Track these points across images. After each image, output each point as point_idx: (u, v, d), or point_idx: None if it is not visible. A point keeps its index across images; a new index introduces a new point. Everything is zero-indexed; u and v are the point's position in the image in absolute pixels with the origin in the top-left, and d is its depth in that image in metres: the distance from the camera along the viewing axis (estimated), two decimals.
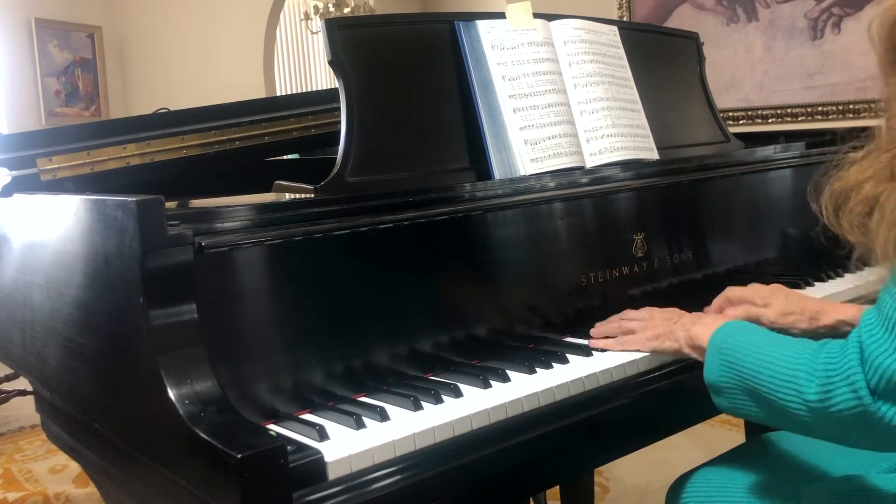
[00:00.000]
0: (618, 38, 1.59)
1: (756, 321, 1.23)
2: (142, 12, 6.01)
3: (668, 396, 1.20)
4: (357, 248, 1.12)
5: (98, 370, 1.10)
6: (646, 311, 1.28)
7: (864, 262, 0.93)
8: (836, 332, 1.23)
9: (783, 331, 1.23)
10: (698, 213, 1.58)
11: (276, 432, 0.94)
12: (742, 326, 1.06)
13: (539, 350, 1.23)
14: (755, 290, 1.30)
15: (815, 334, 1.23)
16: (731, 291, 1.31)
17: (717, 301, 1.33)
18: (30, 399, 2.21)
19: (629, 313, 1.29)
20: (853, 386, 0.84)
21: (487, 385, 1.09)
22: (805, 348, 0.93)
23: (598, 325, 1.29)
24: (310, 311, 1.07)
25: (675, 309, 1.26)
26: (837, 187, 0.94)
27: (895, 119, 0.89)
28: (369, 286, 1.12)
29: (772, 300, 1.27)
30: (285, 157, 2.06)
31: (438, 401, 1.04)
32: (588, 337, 1.28)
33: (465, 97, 1.35)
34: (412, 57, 1.34)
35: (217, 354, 0.95)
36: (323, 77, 7.76)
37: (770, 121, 3.46)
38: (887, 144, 0.89)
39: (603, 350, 1.22)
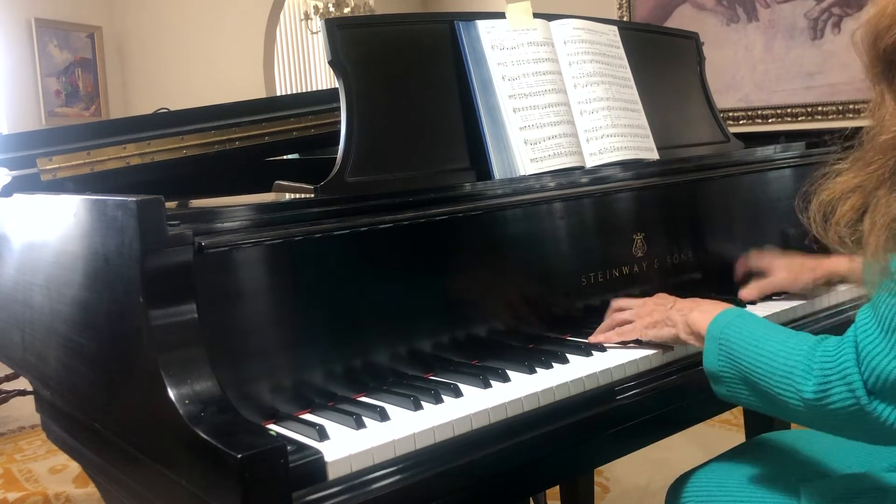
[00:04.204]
0: (618, 38, 1.59)
1: (769, 290, 1.43)
2: (142, 12, 6.01)
3: (668, 395, 1.20)
4: (357, 248, 1.12)
5: (98, 370, 1.10)
6: (636, 300, 1.28)
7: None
8: (830, 283, 1.44)
9: (790, 287, 1.44)
10: (698, 213, 1.58)
11: (276, 432, 0.94)
12: (738, 314, 1.07)
13: (539, 350, 1.23)
14: (763, 259, 1.48)
15: (815, 284, 1.43)
16: (752, 258, 1.49)
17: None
18: (30, 399, 2.22)
19: (619, 302, 1.29)
20: (850, 386, 0.86)
21: (487, 385, 1.09)
22: (801, 343, 0.94)
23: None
24: (310, 311, 1.07)
25: (665, 295, 1.28)
26: (825, 197, 0.95)
27: (879, 127, 0.89)
28: (369, 286, 1.12)
29: (776, 266, 1.44)
30: (285, 157, 2.06)
31: (438, 401, 1.04)
32: (588, 337, 1.27)
33: (465, 97, 1.35)
34: (412, 57, 1.34)
35: (217, 354, 0.95)
36: (323, 77, 7.76)
37: (770, 121, 3.46)
38: (873, 154, 0.89)
39: (602, 348, 1.22)
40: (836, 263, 1.39)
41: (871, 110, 0.92)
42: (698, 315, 1.13)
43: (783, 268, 1.43)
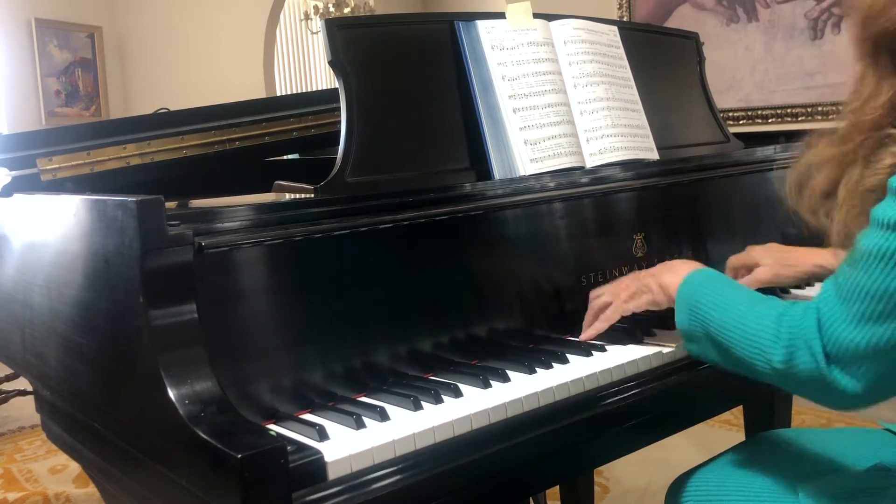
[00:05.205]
0: (618, 38, 1.59)
1: (751, 284, 1.36)
2: (142, 12, 6.01)
3: (668, 396, 1.20)
4: (357, 248, 1.12)
5: (98, 370, 1.10)
6: (609, 284, 1.30)
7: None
8: (817, 275, 1.39)
9: (774, 284, 1.40)
10: (698, 213, 1.59)
11: (276, 432, 0.94)
12: (708, 276, 1.09)
13: (539, 350, 1.23)
14: (749, 253, 1.44)
15: (798, 280, 1.40)
16: (731, 260, 1.45)
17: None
18: (30, 399, 2.21)
19: (594, 291, 1.30)
20: (811, 351, 0.88)
21: (487, 385, 1.09)
22: (769, 310, 0.96)
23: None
24: (310, 311, 1.07)
25: (637, 271, 1.30)
26: (801, 165, 0.97)
27: (861, 104, 0.91)
28: (369, 286, 1.12)
29: (757, 256, 1.41)
30: (285, 157, 2.06)
31: (438, 401, 1.04)
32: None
33: (465, 97, 1.35)
34: (412, 57, 1.34)
35: (217, 354, 0.95)
36: (323, 77, 7.76)
37: (770, 121, 3.46)
38: (851, 131, 0.91)
39: (602, 348, 1.22)
40: (822, 258, 1.36)
41: (854, 84, 0.93)
42: (670, 277, 1.16)
43: (765, 261, 1.40)
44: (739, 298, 1.01)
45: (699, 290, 1.07)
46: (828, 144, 0.94)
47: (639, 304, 1.22)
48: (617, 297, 1.24)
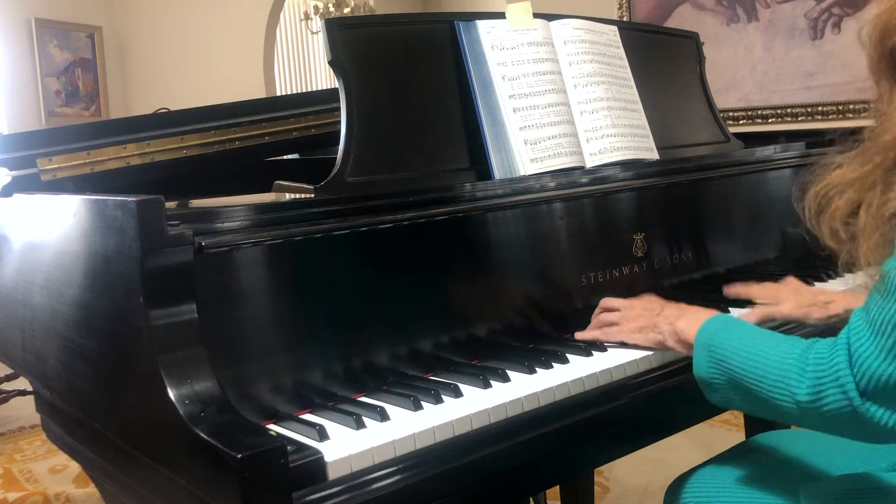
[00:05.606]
0: (618, 38, 1.59)
1: (771, 319, 1.29)
2: (142, 12, 6.01)
3: (668, 396, 1.20)
4: (357, 248, 1.12)
5: (98, 370, 1.10)
6: (624, 301, 1.29)
7: (848, 267, 0.94)
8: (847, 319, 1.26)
9: (800, 322, 1.31)
10: (698, 213, 1.58)
11: (276, 432, 0.94)
12: (727, 321, 1.06)
13: (539, 350, 1.23)
14: (768, 289, 1.36)
15: (829, 321, 1.29)
16: (753, 290, 1.37)
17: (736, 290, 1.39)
18: (30, 399, 2.21)
19: (607, 302, 1.30)
20: (843, 387, 0.85)
21: (487, 385, 1.09)
22: (793, 347, 0.93)
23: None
24: (310, 311, 1.07)
25: (653, 297, 1.28)
26: (821, 188, 0.95)
27: (883, 124, 0.90)
28: (369, 286, 1.12)
29: (783, 296, 1.32)
30: (285, 157, 2.06)
31: (438, 401, 1.04)
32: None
33: (465, 97, 1.35)
34: (412, 57, 1.34)
35: (217, 354, 0.95)
36: (323, 77, 7.76)
37: (770, 121, 3.46)
38: (874, 152, 0.89)
39: (603, 348, 1.22)
40: (855, 299, 1.28)
41: (875, 108, 0.92)
42: (685, 323, 1.13)
43: (791, 298, 1.32)
44: (761, 339, 0.98)
45: (718, 335, 1.03)
46: (849, 167, 0.92)
47: (645, 341, 1.20)
48: (625, 322, 1.23)
